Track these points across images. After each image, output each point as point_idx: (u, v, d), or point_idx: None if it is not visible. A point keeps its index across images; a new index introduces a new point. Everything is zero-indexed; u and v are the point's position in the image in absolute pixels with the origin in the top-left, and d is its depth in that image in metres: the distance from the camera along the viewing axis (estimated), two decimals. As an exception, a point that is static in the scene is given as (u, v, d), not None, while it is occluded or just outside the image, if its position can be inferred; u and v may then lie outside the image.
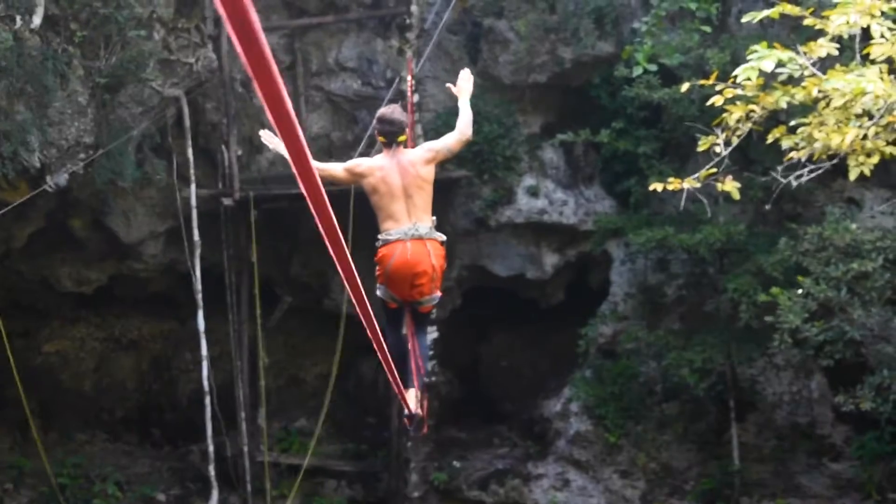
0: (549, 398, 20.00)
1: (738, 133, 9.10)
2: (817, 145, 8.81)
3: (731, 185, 9.63)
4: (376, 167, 8.10)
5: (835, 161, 9.30)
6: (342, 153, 18.72)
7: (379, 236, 8.06)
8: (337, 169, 8.13)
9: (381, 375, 20.66)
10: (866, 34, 8.40)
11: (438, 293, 8.24)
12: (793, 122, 9.42)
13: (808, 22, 8.74)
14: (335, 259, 3.84)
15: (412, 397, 8.33)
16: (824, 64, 8.81)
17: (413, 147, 8.68)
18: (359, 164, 8.25)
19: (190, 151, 17.66)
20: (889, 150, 8.88)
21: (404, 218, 8.01)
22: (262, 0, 18.20)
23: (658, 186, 10.03)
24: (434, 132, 18.30)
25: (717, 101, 9.08)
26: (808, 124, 8.98)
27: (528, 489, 19.14)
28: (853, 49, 8.96)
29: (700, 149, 9.61)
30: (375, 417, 20.67)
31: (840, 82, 8.18)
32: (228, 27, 2.38)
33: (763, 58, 8.28)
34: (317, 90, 19.58)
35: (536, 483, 19.19)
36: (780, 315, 14.93)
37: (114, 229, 18.26)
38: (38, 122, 14.26)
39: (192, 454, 20.40)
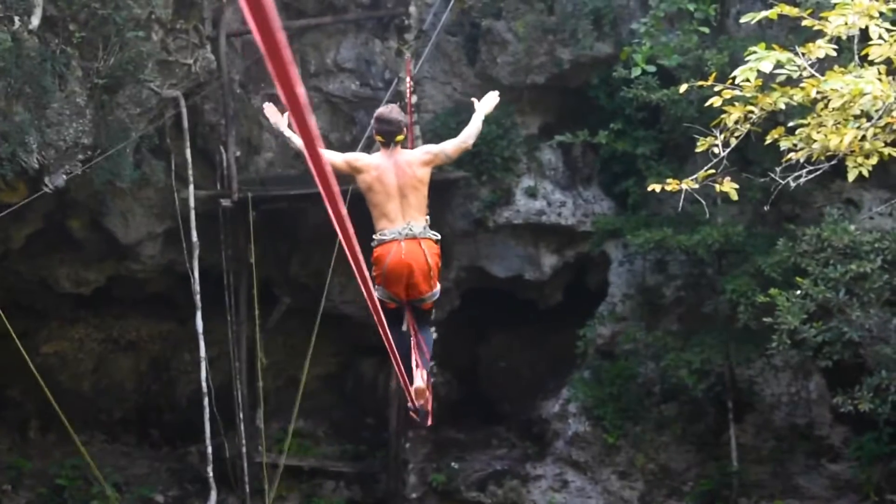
0: (548, 399, 20.00)
1: (737, 134, 9.10)
2: (816, 146, 8.81)
3: (729, 186, 9.63)
4: (373, 165, 8.16)
5: (833, 162, 9.30)
6: (341, 154, 18.73)
7: (374, 236, 8.11)
8: (337, 158, 8.19)
9: (380, 376, 20.69)
10: (865, 35, 8.40)
11: (438, 289, 8.31)
12: (791, 123, 9.42)
13: (806, 23, 8.74)
14: (340, 237, 3.87)
15: (414, 391, 8.45)
16: (823, 65, 8.81)
17: (412, 147, 8.72)
18: (358, 158, 8.31)
19: (188, 152, 17.66)
20: (887, 151, 8.88)
21: (398, 217, 8.08)
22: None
23: (656, 187, 10.02)
24: (432, 133, 18.32)
25: (715, 102, 9.08)
26: (807, 125, 8.98)
27: (526, 490, 19.14)
28: (852, 50, 8.96)
29: (698, 150, 9.60)
30: (374, 418, 20.67)
31: (838, 83, 8.18)
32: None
33: (761, 59, 8.28)
34: (315, 91, 19.58)
35: (535, 484, 19.20)
36: (778, 316, 14.93)
37: (112, 230, 18.26)
38: (36, 123, 14.25)
39: (190, 455, 20.39)
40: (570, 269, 20.31)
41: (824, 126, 8.74)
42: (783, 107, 8.91)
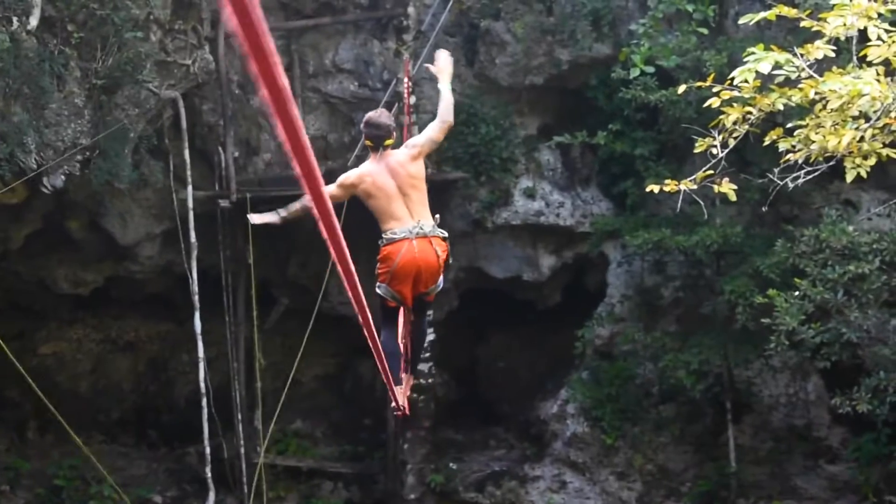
0: (546, 400, 20.00)
1: (735, 135, 9.10)
2: (814, 147, 8.81)
3: (727, 187, 9.63)
4: (365, 174, 8.12)
5: (831, 163, 9.30)
6: (339, 155, 18.77)
7: (383, 235, 8.10)
8: (332, 190, 8.08)
9: (378, 377, 20.68)
10: (863, 36, 8.40)
11: (441, 281, 8.35)
12: (790, 124, 9.42)
13: (805, 24, 8.74)
14: (343, 278, 3.90)
15: (400, 393, 8.50)
16: (821, 66, 8.81)
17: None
18: (347, 177, 8.24)
19: (187, 153, 17.65)
20: (886, 152, 8.88)
21: (407, 217, 8.07)
22: (260, 2, 18.18)
23: (655, 188, 10.02)
24: (431, 134, 18.31)
25: (713, 102, 9.08)
26: (805, 126, 8.98)
27: (524, 491, 19.14)
28: (850, 51, 8.96)
29: (697, 150, 9.59)
30: (372, 419, 20.67)
31: (837, 84, 8.18)
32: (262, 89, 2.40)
33: (760, 60, 8.28)
34: (313, 92, 19.57)
35: (533, 485, 19.19)
36: (776, 317, 14.93)
37: (110, 231, 18.25)
38: (34, 124, 14.24)
39: (188, 456, 20.39)
40: (568, 269, 20.32)
41: (823, 127, 8.74)
42: (782, 108, 8.91)
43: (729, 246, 17.05)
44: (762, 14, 8.80)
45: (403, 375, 8.70)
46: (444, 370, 20.35)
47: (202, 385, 18.25)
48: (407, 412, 8.82)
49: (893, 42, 8.25)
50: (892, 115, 8.47)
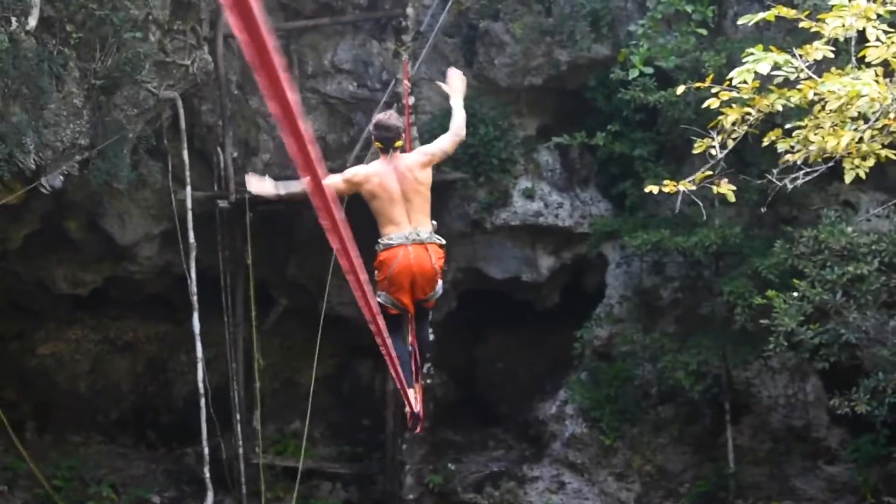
0: (545, 400, 20.00)
1: (734, 136, 9.10)
2: (813, 148, 8.81)
3: (726, 188, 9.63)
4: (373, 173, 8.17)
5: (830, 164, 9.30)
6: (338, 155, 18.74)
7: (380, 241, 8.13)
8: (337, 180, 8.14)
9: (377, 378, 20.69)
10: (862, 37, 8.40)
11: (440, 286, 8.36)
12: (788, 125, 9.42)
13: (803, 25, 8.74)
14: (343, 264, 3.89)
15: (414, 398, 8.51)
16: (820, 67, 8.81)
17: (410, 150, 8.74)
18: (356, 172, 8.30)
19: (185, 153, 17.65)
20: (884, 153, 8.88)
21: (405, 222, 8.09)
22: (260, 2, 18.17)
23: (654, 189, 10.02)
24: (430, 135, 18.29)
25: (712, 103, 9.08)
26: (804, 127, 8.98)
27: (523, 491, 19.14)
28: (849, 52, 8.96)
29: (696, 151, 9.59)
30: (371, 420, 20.66)
31: (836, 85, 8.19)
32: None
33: (759, 60, 8.29)
34: (312, 92, 19.57)
35: (532, 485, 19.19)
36: (775, 318, 14.92)
37: (109, 231, 18.26)
38: (33, 124, 14.23)
39: (187, 456, 20.38)
40: (567, 270, 20.32)
41: (822, 128, 8.74)
42: (780, 108, 8.91)
43: (728, 247, 17.05)
44: (761, 15, 8.80)
45: (416, 384, 8.71)
46: (442, 371, 20.35)
47: (201, 385, 18.23)
48: (422, 417, 8.82)
49: (892, 43, 8.25)
50: (891, 116, 8.48)
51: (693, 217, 16.40)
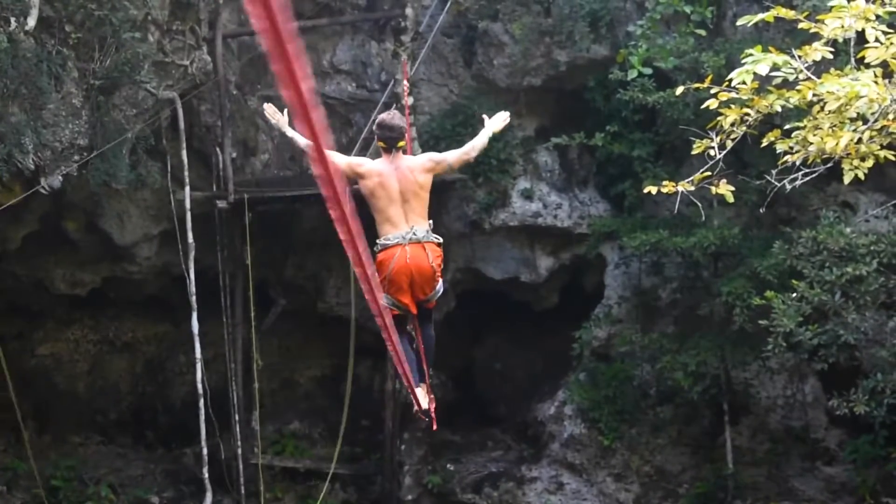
0: (544, 401, 19.99)
1: (733, 136, 9.10)
2: (812, 149, 8.81)
3: (725, 189, 9.63)
4: (375, 171, 8.24)
5: (829, 165, 9.30)
6: (337, 156, 18.70)
7: (377, 241, 8.17)
8: (341, 160, 8.27)
9: (376, 378, 20.68)
10: (861, 38, 8.40)
11: (440, 286, 8.40)
12: (787, 126, 9.42)
13: (802, 26, 8.74)
14: (343, 242, 3.89)
15: (422, 395, 8.54)
16: (819, 68, 8.81)
17: (410, 150, 8.78)
18: (361, 163, 8.41)
19: (184, 154, 17.64)
20: (883, 153, 8.88)
21: (402, 222, 8.15)
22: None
23: (652, 189, 10.03)
24: (429, 135, 18.33)
25: (711, 104, 9.08)
26: (803, 128, 8.98)
27: (521, 492, 19.13)
28: (848, 53, 8.96)
29: (694, 152, 9.59)
30: (369, 420, 20.66)
31: (835, 86, 8.18)
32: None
33: (758, 61, 8.28)
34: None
35: (530, 486, 19.18)
36: (774, 319, 14.92)
37: (108, 231, 18.25)
38: (32, 124, 14.23)
39: (185, 457, 20.38)
40: (565, 271, 20.32)
41: (820, 129, 8.74)
42: (779, 109, 8.90)
43: (726, 247, 17.05)
44: (760, 16, 8.80)
45: (423, 383, 8.75)
46: (441, 371, 20.34)
47: (199, 386, 18.23)
48: (433, 415, 8.84)
49: (891, 44, 8.25)
50: (890, 117, 8.48)
51: (692, 218, 16.40)
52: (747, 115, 8.93)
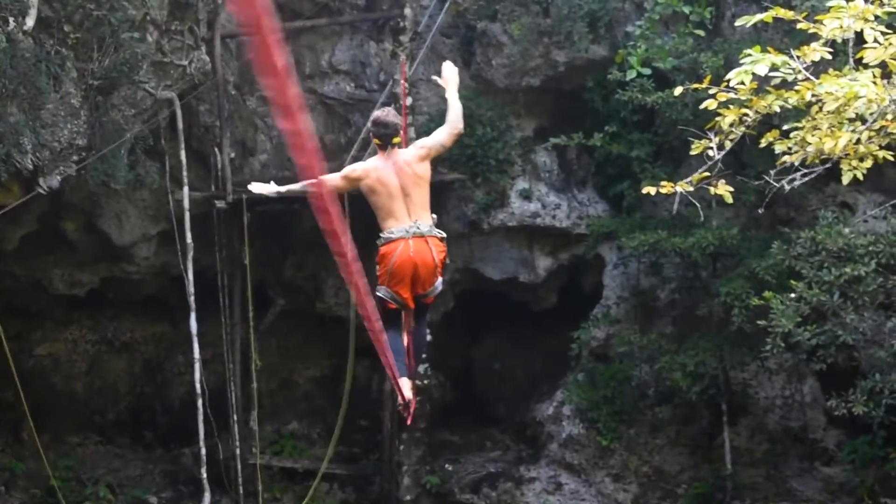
0: (542, 401, 19.99)
1: (732, 137, 9.10)
2: (810, 149, 8.81)
3: (724, 189, 9.63)
4: (371, 169, 8.26)
5: (828, 165, 9.30)
6: (335, 156, 18.73)
7: (381, 234, 8.20)
8: (336, 179, 8.23)
9: (374, 378, 20.67)
10: (860, 39, 8.40)
11: (440, 282, 8.42)
12: (786, 127, 9.41)
13: (801, 26, 8.74)
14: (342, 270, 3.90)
15: (406, 386, 8.53)
16: (818, 68, 8.81)
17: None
18: (353, 169, 8.41)
19: (183, 154, 17.64)
20: (882, 154, 8.88)
21: (405, 216, 8.17)
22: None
23: (651, 190, 10.02)
24: (427, 135, 18.29)
25: (710, 104, 9.07)
26: (802, 128, 8.98)
27: (520, 492, 19.13)
28: (846, 53, 8.95)
29: (693, 152, 9.58)
30: (368, 420, 20.65)
31: (833, 86, 8.18)
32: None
33: (756, 62, 8.28)
34: (310, 93, 19.56)
35: (529, 486, 19.18)
36: (772, 319, 14.92)
37: (106, 231, 18.24)
38: (30, 125, 14.23)
39: (184, 457, 20.37)
40: (564, 271, 20.32)
41: (819, 129, 8.74)
42: (778, 110, 8.90)
43: (725, 248, 17.05)
44: (759, 16, 8.80)
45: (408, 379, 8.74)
46: (439, 371, 20.34)
47: (198, 386, 18.23)
48: (413, 407, 8.84)
49: (890, 44, 8.25)
50: (889, 117, 8.48)
51: (690, 218, 16.39)
52: (746, 115, 8.92)
